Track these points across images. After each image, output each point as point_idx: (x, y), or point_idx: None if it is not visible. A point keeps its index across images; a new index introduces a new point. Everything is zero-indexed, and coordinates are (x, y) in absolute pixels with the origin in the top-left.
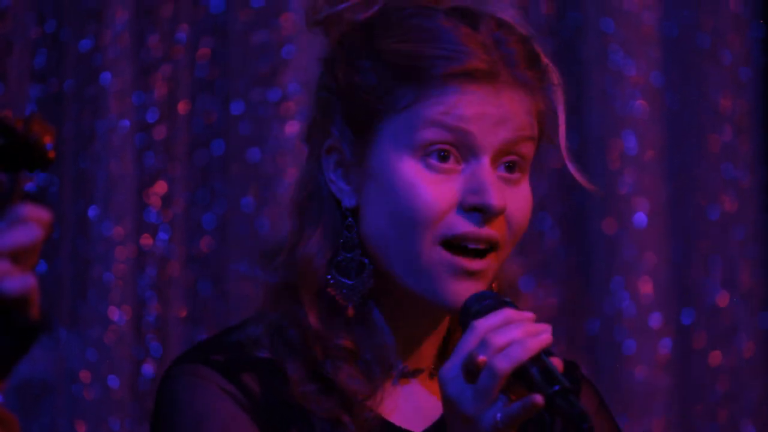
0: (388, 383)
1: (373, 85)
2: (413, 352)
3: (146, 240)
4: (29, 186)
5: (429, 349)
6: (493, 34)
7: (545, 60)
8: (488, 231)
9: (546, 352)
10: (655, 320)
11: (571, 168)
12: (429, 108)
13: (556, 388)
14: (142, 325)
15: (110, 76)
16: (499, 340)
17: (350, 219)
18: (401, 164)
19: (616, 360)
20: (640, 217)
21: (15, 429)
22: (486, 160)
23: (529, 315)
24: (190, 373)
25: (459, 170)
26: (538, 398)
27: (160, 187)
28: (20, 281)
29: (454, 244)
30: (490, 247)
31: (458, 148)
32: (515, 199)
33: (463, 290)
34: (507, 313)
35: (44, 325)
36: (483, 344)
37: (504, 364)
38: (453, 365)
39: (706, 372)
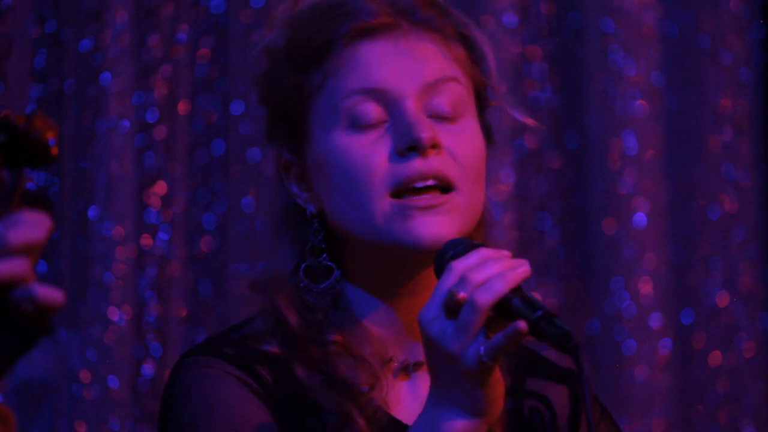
0: (390, 376)
1: (288, 82)
2: (409, 343)
3: (146, 240)
4: (30, 185)
5: None
6: None
7: (446, 5)
8: (430, 165)
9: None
10: (655, 320)
11: (508, 107)
12: (340, 79)
13: (539, 313)
14: (142, 325)
15: (110, 76)
16: (478, 276)
17: (316, 225)
18: (333, 138)
19: (616, 360)
20: (640, 217)
21: (12, 426)
22: (408, 103)
23: (506, 252)
24: (201, 364)
25: (386, 125)
26: (522, 324)
27: (160, 187)
28: (52, 293)
29: (403, 190)
30: (441, 184)
31: (379, 104)
32: (456, 136)
33: (420, 226)
34: (483, 252)
35: (51, 328)
36: (462, 281)
37: (485, 297)
38: (432, 305)
39: (706, 372)
